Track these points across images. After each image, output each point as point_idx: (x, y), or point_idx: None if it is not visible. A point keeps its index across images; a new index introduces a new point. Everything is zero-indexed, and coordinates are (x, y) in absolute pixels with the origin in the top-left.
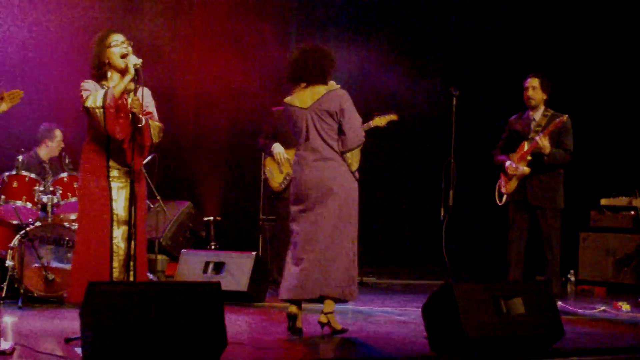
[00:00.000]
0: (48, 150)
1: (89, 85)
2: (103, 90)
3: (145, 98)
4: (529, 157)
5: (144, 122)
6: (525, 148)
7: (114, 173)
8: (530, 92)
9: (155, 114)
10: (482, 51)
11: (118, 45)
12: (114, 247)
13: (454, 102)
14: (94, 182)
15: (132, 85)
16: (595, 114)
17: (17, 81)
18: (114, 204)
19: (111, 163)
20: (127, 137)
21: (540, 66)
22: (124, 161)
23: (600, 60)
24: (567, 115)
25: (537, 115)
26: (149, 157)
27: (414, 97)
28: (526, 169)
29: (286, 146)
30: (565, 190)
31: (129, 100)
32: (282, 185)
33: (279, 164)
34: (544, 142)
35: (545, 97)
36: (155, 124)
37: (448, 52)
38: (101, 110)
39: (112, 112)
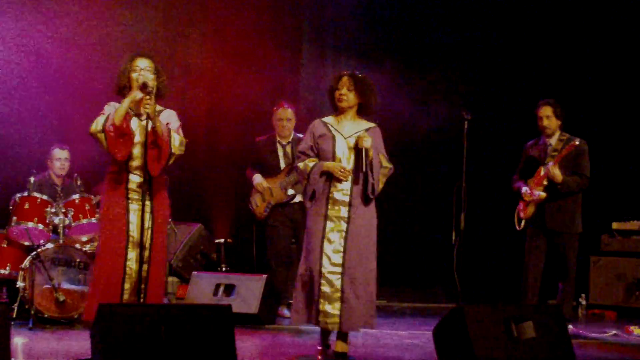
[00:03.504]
0: (53, 171)
1: (108, 108)
2: (105, 115)
3: (171, 117)
4: (545, 182)
5: (159, 124)
6: (542, 173)
7: (134, 195)
8: (545, 122)
9: (180, 132)
10: (494, 75)
11: (137, 71)
12: (127, 269)
13: (466, 125)
14: (114, 203)
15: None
16: (607, 138)
17: (32, 102)
18: (131, 226)
19: (130, 184)
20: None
21: (552, 90)
22: (141, 174)
23: (611, 84)
24: (579, 140)
25: (553, 140)
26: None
27: (425, 121)
28: (542, 194)
29: (267, 175)
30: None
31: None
32: (265, 213)
33: (261, 193)
34: (554, 172)
35: (559, 122)
36: (177, 135)
37: (460, 75)
38: (102, 134)
39: (112, 134)
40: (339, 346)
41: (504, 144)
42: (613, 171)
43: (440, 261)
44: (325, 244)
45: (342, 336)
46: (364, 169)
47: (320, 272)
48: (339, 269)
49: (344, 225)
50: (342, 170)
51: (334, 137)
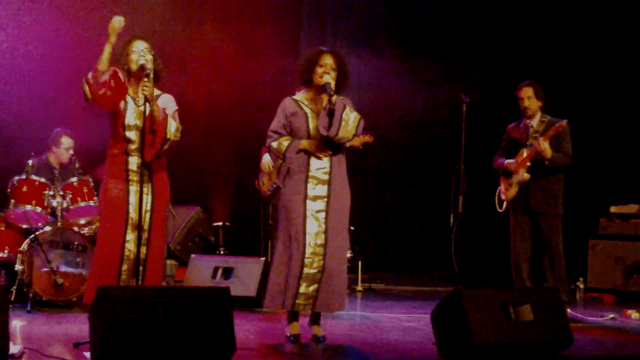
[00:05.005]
0: (55, 156)
1: None
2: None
3: (168, 102)
4: (528, 164)
5: (156, 108)
6: (524, 155)
7: (134, 177)
8: (526, 103)
9: (176, 117)
10: (492, 58)
11: (136, 53)
12: (125, 250)
13: (464, 108)
14: (114, 185)
15: (149, 90)
16: (605, 122)
17: (30, 85)
18: (130, 208)
19: (130, 166)
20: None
21: (551, 72)
22: (140, 156)
23: (611, 67)
24: (566, 120)
25: (535, 122)
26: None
27: (424, 104)
28: (526, 175)
29: None
30: (575, 198)
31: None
32: (268, 192)
33: (269, 173)
34: (544, 145)
35: (540, 104)
36: (173, 121)
37: (458, 58)
38: (86, 86)
39: (92, 81)
40: (316, 329)
41: (502, 127)
42: (611, 155)
43: (438, 244)
44: (308, 224)
45: (317, 319)
46: (332, 102)
47: (304, 253)
48: (322, 250)
49: (324, 205)
50: (322, 153)
51: (306, 114)
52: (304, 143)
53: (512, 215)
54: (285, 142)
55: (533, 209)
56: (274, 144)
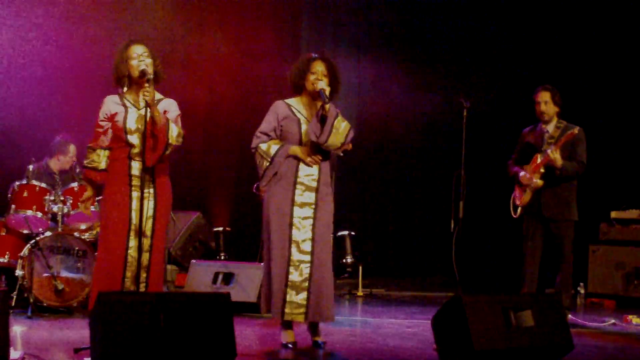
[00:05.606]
0: (59, 163)
1: (105, 108)
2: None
3: (170, 106)
4: (542, 170)
5: (157, 113)
6: (539, 160)
7: (136, 182)
8: (543, 107)
9: (178, 122)
10: (492, 62)
11: (136, 59)
12: (128, 257)
13: (465, 113)
14: (116, 190)
15: (150, 93)
16: (606, 126)
17: (32, 89)
18: (133, 214)
19: (132, 171)
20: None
21: (551, 77)
22: (142, 164)
23: (611, 71)
24: (579, 127)
25: (550, 127)
26: None
27: (424, 109)
28: (539, 182)
29: None
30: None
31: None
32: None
33: None
34: (555, 155)
35: (557, 109)
36: (175, 126)
37: (458, 63)
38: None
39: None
40: (316, 336)
41: (503, 132)
42: (612, 160)
43: (439, 250)
44: (294, 231)
45: (315, 326)
46: (325, 109)
47: (289, 260)
48: (308, 257)
49: (311, 212)
50: (312, 157)
51: (299, 120)
52: (295, 149)
53: (525, 221)
54: (274, 145)
55: (545, 215)
56: (263, 146)
